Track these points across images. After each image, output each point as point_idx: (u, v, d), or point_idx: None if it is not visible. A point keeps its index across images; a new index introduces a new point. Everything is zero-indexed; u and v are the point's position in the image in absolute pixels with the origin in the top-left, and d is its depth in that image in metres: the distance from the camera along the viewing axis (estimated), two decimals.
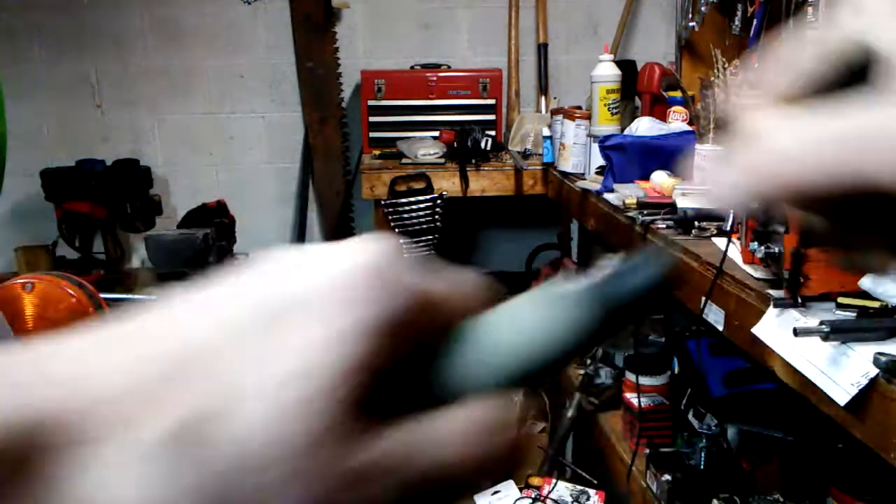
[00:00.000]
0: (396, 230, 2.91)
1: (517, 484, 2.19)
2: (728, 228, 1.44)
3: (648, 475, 1.94)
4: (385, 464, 0.22)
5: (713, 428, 1.82)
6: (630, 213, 1.85)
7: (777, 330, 1.17)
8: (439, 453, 0.23)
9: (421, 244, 2.94)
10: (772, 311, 1.19)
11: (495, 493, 2.16)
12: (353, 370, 0.22)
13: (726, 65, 1.96)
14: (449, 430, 0.23)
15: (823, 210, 0.26)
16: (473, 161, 2.93)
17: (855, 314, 1.10)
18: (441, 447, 0.23)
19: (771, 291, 1.23)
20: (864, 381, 0.97)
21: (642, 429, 1.94)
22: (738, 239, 1.37)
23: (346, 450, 0.21)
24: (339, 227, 3.68)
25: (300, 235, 3.59)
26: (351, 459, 0.21)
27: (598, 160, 2.37)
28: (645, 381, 2.02)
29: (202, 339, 0.23)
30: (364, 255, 0.24)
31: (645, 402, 1.97)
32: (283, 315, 0.23)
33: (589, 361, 2.30)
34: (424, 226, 2.91)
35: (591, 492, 2.18)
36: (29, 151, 3.41)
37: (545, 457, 2.29)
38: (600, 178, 2.24)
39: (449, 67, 3.36)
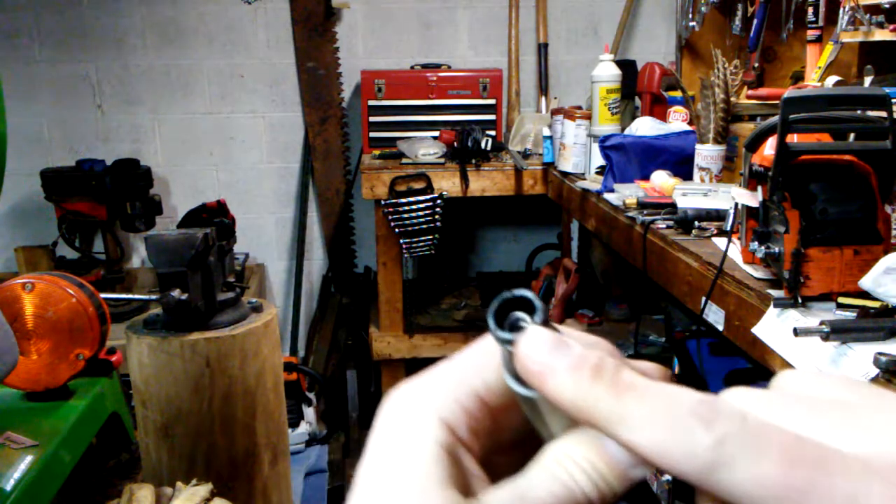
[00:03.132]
0: (396, 230, 2.91)
1: None
2: (728, 228, 1.44)
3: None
4: None
5: None
6: (630, 213, 1.84)
7: (777, 330, 1.17)
8: None
9: (421, 244, 2.94)
10: (772, 311, 1.19)
11: None
12: None
13: (726, 65, 1.95)
14: None
15: None
16: (473, 161, 2.93)
17: (855, 314, 1.10)
18: None
19: (771, 291, 1.23)
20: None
21: None
22: (738, 239, 1.36)
23: None
24: (339, 227, 3.68)
25: (300, 235, 3.59)
26: None
27: (598, 160, 2.37)
28: None
29: None
30: None
31: None
32: None
33: None
34: (424, 226, 2.91)
35: None
36: (29, 151, 3.41)
37: None
38: (600, 178, 2.24)
39: (449, 67, 3.36)
